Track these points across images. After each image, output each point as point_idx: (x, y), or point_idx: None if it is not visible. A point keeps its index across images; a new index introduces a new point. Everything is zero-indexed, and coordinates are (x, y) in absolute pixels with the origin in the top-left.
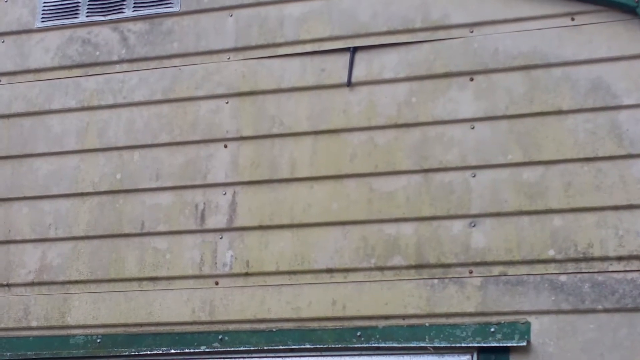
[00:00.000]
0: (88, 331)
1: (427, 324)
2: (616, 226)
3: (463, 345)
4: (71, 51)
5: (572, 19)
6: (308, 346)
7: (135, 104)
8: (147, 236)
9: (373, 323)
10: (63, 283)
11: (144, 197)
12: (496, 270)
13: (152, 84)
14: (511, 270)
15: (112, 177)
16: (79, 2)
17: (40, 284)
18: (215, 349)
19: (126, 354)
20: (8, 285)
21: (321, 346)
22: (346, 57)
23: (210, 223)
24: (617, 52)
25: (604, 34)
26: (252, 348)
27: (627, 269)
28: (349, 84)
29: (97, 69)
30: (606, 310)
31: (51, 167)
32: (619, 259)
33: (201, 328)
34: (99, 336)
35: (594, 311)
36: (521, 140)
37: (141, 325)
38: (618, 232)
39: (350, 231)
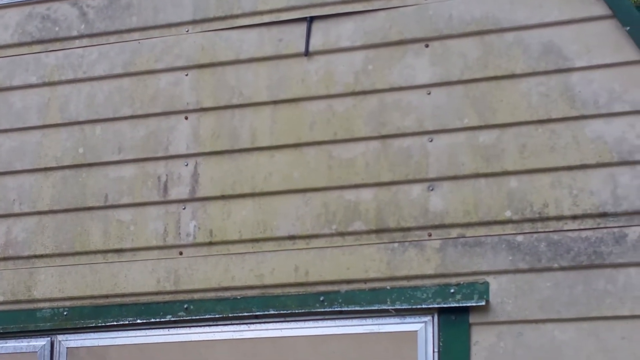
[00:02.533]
0: (54, 304)
1: (388, 287)
2: (570, 186)
3: (424, 306)
4: (31, 27)
5: None
6: (272, 312)
7: (96, 78)
8: (110, 209)
9: (335, 288)
10: (28, 257)
11: (106, 170)
12: (454, 232)
13: (112, 58)
14: (469, 232)
15: (74, 151)
16: None
17: (5, 259)
18: (181, 318)
19: (93, 325)
20: None
21: (285, 312)
22: (303, 27)
23: (173, 194)
24: (568, 15)
25: None
26: (217, 316)
27: (582, 227)
28: (307, 53)
29: (57, 45)
30: (562, 268)
31: (13, 143)
32: (574, 217)
33: (166, 298)
34: (66, 309)
35: (550, 269)
36: (476, 105)
37: (107, 296)
38: (572, 192)
39: (311, 198)
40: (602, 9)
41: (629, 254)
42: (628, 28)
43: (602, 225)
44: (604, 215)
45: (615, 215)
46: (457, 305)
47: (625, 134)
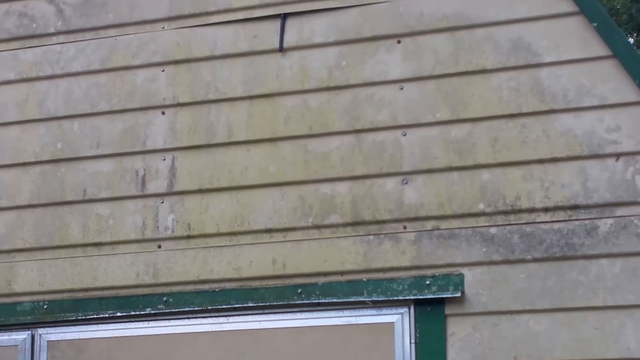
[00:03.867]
0: (35, 298)
1: (364, 279)
2: (542, 179)
3: (400, 298)
4: (8, 24)
5: None
6: (251, 305)
7: (73, 74)
8: (89, 203)
9: (313, 280)
10: (8, 252)
11: (85, 164)
12: (429, 224)
13: (89, 55)
14: (443, 225)
15: (52, 146)
16: None
17: None
18: (161, 311)
19: (73, 318)
20: None
21: (263, 304)
22: (277, 23)
23: (151, 188)
24: (536, 12)
25: None
26: (196, 308)
27: (554, 219)
28: (281, 49)
29: (35, 41)
30: (535, 260)
31: None
32: (546, 210)
33: (146, 291)
34: (46, 302)
35: (523, 261)
36: (448, 99)
37: (87, 290)
38: (544, 185)
39: (288, 192)
40: (569, 6)
41: (600, 246)
42: (595, 24)
43: (573, 218)
44: (575, 207)
45: (586, 207)
46: (433, 296)
47: (594, 128)
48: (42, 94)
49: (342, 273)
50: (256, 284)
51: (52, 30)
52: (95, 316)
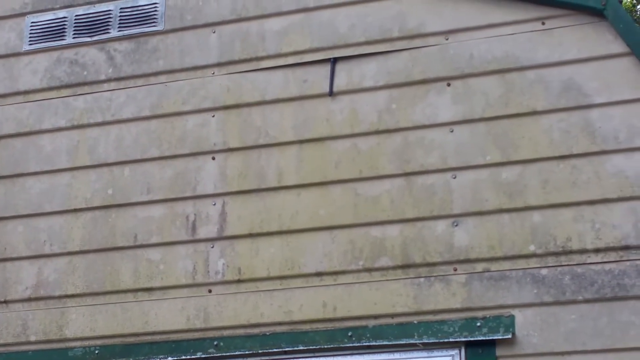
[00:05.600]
0: (86, 343)
1: (415, 322)
2: (593, 220)
3: (451, 340)
4: (59, 72)
5: (543, 23)
6: (301, 348)
7: (124, 120)
8: (140, 248)
9: (363, 323)
10: (60, 297)
11: (135, 210)
12: (480, 266)
13: (139, 101)
14: (494, 266)
15: (103, 192)
16: (65, 25)
17: (37, 299)
18: (211, 355)
19: None
20: (5, 302)
21: (314, 347)
22: (327, 67)
23: (202, 233)
24: (587, 53)
25: (574, 37)
26: (247, 352)
27: (605, 260)
28: (331, 93)
29: (86, 89)
30: (586, 301)
31: (43, 185)
32: (597, 251)
33: (196, 335)
34: (97, 347)
35: (574, 302)
36: (499, 142)
37: (138, 335)
38: (595, 226)
39: (338, 235)
40: (620, 47)
41: None
42: None
43: (624, 258)
44: (626, 248)
45: (637, 248)
46: (484, 338)
47: None
48: (92, 140)
49: (392, 315)
50: (307, 327)
51: (102, 77)
52: None
